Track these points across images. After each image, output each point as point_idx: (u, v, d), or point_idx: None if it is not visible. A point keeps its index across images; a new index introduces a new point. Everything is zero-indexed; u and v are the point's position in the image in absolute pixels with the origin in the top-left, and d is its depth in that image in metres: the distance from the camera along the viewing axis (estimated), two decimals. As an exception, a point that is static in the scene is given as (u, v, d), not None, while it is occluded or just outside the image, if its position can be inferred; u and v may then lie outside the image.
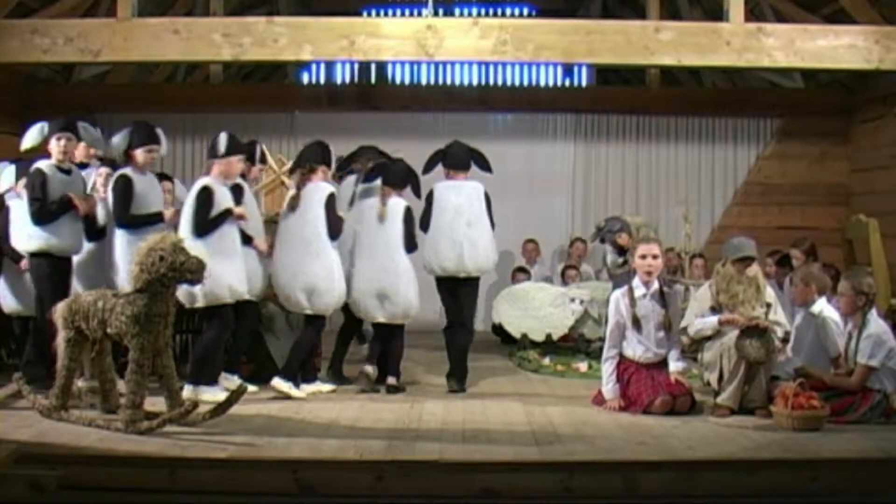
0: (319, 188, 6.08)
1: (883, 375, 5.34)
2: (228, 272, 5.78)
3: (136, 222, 5.89)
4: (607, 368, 5.71)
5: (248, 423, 5.08)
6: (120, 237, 5.89)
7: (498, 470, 4.33)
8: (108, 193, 6.04)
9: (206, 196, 5.80)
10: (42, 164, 6.06)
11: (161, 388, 5.06)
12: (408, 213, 6.27)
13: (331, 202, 6.04)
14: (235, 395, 5.02)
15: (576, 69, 12.12)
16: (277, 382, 5.93)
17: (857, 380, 5.35)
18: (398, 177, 6.37)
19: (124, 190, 5.89)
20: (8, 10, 7.51)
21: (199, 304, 5.78)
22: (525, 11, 12.37)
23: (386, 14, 11.30)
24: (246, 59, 6.90)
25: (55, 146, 6.08)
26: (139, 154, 5.98)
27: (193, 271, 4.92)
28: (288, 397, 5.88)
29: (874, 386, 5.34)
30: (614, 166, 10.03)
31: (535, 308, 7.98)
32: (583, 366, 7.13)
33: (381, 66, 11.48)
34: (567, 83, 12.25)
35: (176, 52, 6.87)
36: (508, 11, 12.15)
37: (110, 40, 6.78)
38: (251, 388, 5.65)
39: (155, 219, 5.96)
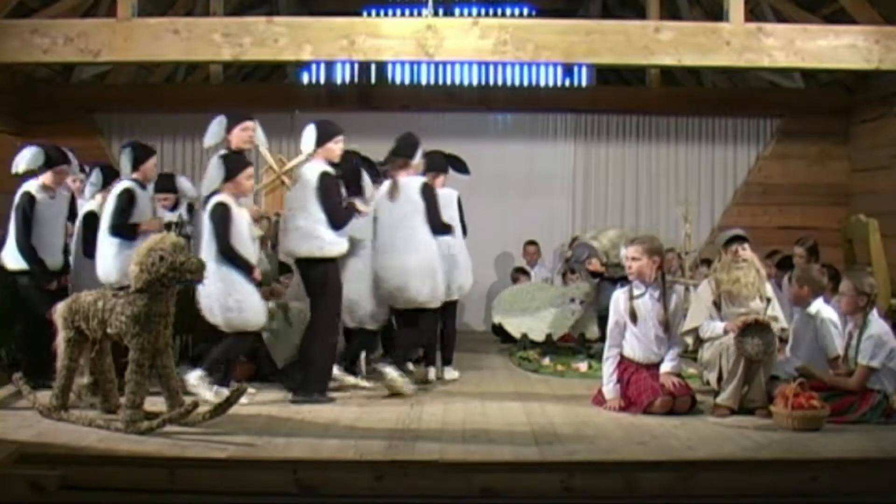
0: (413, 180, 6.19)
1: (883, 376, 5.33)
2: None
3: None
4: (608, 368, 5.71)
5: (248, 423, 5.08)
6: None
7: (498, 470, 4.33)
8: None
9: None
10: (324, 167, 5.80)
11: (162, 388, 5.07)
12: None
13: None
14: (235, 395, 5.01)
15: (576, 69, 12.13)
16: (390, 373, 5.95)
17: (857, 380, 5.34)
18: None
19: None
20: (8, 10, 7.51)
21: (425, 299, 6.06)
22: (525, 11, 12.37)
23: (386, 14, 11.30)
24: (246, 59, 6.91)
25: (241, 137, 5.94)
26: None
27: (193, 271, 4.92)
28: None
29: (874, 386, 5.33)
30: (614, 166, 10.02)
31: (535, 308, 7.99)
32: (583, 366, 7.13)
33: (381, 66, 11.47)
34: (567, 83, 12.26)
35: (176, 52, 6.87)
36: (508, 11, 12.15)
37: (110, 40, 6.77)
38: (251, 388, 5.64)
39: None
